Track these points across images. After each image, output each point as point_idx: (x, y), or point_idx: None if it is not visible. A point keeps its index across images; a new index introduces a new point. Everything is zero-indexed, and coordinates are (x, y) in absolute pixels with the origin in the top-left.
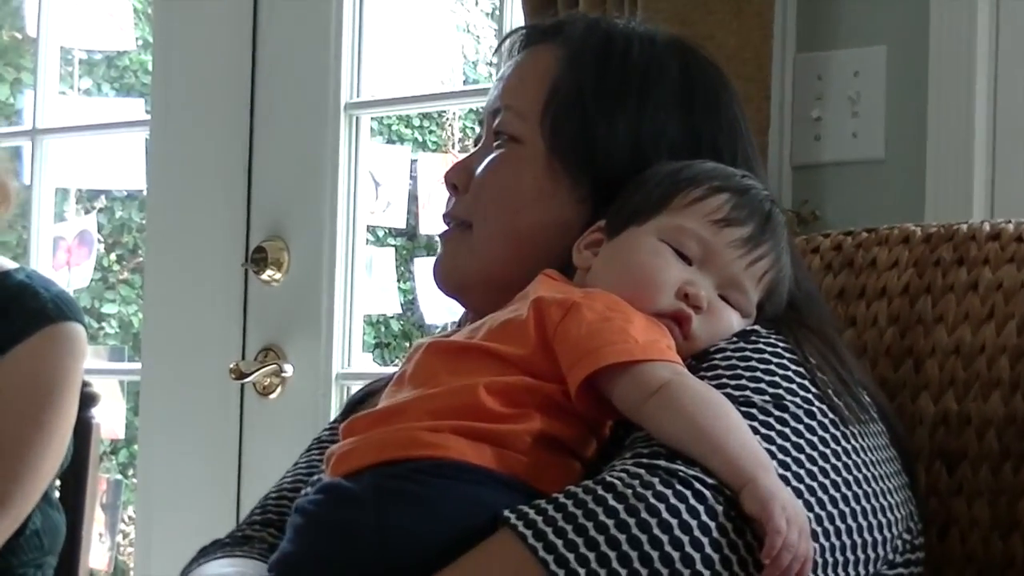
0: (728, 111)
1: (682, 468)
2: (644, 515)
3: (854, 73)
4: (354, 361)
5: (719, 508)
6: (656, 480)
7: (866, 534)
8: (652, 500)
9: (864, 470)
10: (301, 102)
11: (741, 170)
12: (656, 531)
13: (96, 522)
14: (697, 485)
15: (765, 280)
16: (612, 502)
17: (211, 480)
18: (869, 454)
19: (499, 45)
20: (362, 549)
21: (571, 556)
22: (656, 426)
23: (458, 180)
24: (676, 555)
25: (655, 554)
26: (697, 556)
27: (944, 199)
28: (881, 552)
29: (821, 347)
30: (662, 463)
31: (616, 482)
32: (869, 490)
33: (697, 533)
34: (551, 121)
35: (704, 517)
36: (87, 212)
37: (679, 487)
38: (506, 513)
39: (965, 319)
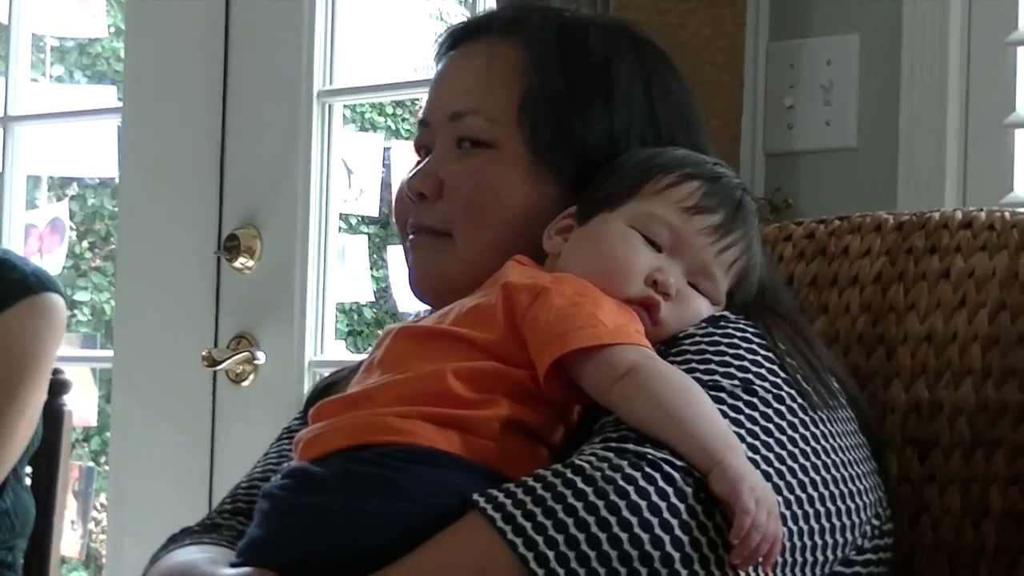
0: (678, 94)
1: (651, 451)
2: (613, 497)
3: (827, 62)
4: (327, 349)
5: (688, 490)
6: (625, 463)
7: (835, 519)
8: (621, 483)
9: (833, 455)
10: (274, 90)
11: (712, 157)
12: (625, 513)
13: (68, 509)
14: (666, 467)
15: (735, 268)
16: (581, 485)
17: (184, 467)
18: (838, 439)
19: (444, 44)
20: (330, 533)
21: (540, 539)
22: (625, 409)
23: (427, 189)
24: (646, 537)
25: (624, 536)
26: (667, 538)
27: (916, 187)
28: (850, 537)
29: (790, 333)
30: (631, 446)
31: (585, 465)
32: (838, 475)
33: (667, 515)
34: (530, 124)
35: (673, 499)
36: (59, 199)
37: (648, 470)
38: (475, 497)
39: (937, 307)
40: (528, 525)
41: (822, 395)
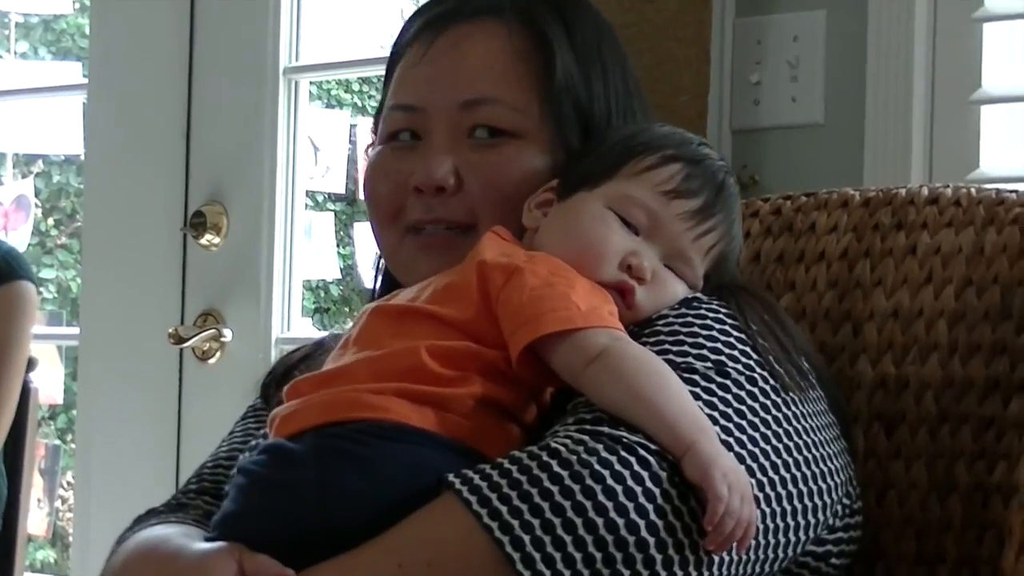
0: (625, 56)
1: (626, 434)
2: (589, 482)
3: (793, 38)
4: (294, 326)
5: (663, 474)
6: (600, 447)
7: (806, 500)
8: (597, 467)
9: (804, 436)
10: (239, 66)
11: (698, 137)
12: (601, 497)
13: (34, 488)
14: (641, 451)
15: (713, 252)
16: (557, 468)
17: (150, 445)
18: (809, 420)
19: (422, 27)
20: (304, 508)
21: (515, 523)
22: (596, 392)
23: (447, 183)
24: (621, 521)
25: (600, 520)
26: (642, 523)
27: (883, 163)
28: (821, 517)
29: (762, 313)
30: (605, 429)
31: (561, 448)
32: (809, 456)
33: (642, 500)
34: (556, 113)
35: (649, 483)
36: (24, 176)
37: (623, 453)
38: (451, 478)
39: (904, 283)
40: (504, 508)
41: (793, 376)
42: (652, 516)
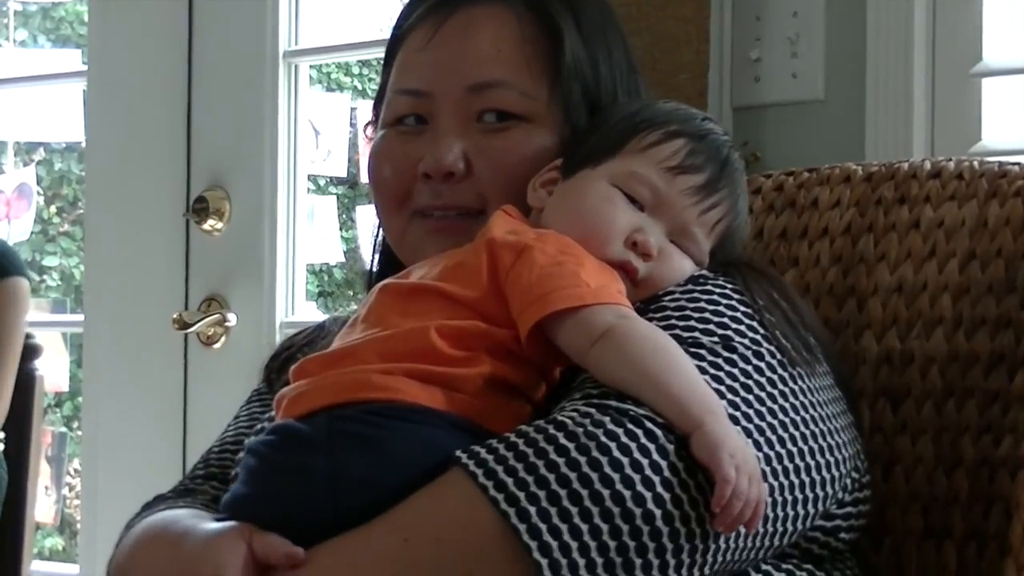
0: (625, 37)
1: (632, 407)
2: (595, 453)
3: (793, 13)
4: (297, 310)
5: (670, 447)
6: (607, 419)
7: (814, 473)
8: (603, 438)
9: (811, 410)
10: (239, 50)
11: (702, 112)
12: (607, 469)
13: (41, 475)
14: (648, 424)
15: (719, 228)
16: (563, 440)
17: (156, 431)
18: (816, 395)
19: (432, 8)
20: (314, 492)
21: (521, 495)
22: (602, 370)
23: (457, 168)
24: (627, 493)
25: (606, 492)
26: (648, 495)
27: (884, 138)
28: (830, 490)
29: (769, 289)
30: (612, 403)
31: (567, 421)
32: (816, 430)
33: (648, 472)
34: (565, 98)
35: (655, 456)
36: (26, 164)
37: (630, 426)
38: (458, 453)
39: (907, 257)
40: (509, 480)
41: (800, 351)
42: (658, 488)
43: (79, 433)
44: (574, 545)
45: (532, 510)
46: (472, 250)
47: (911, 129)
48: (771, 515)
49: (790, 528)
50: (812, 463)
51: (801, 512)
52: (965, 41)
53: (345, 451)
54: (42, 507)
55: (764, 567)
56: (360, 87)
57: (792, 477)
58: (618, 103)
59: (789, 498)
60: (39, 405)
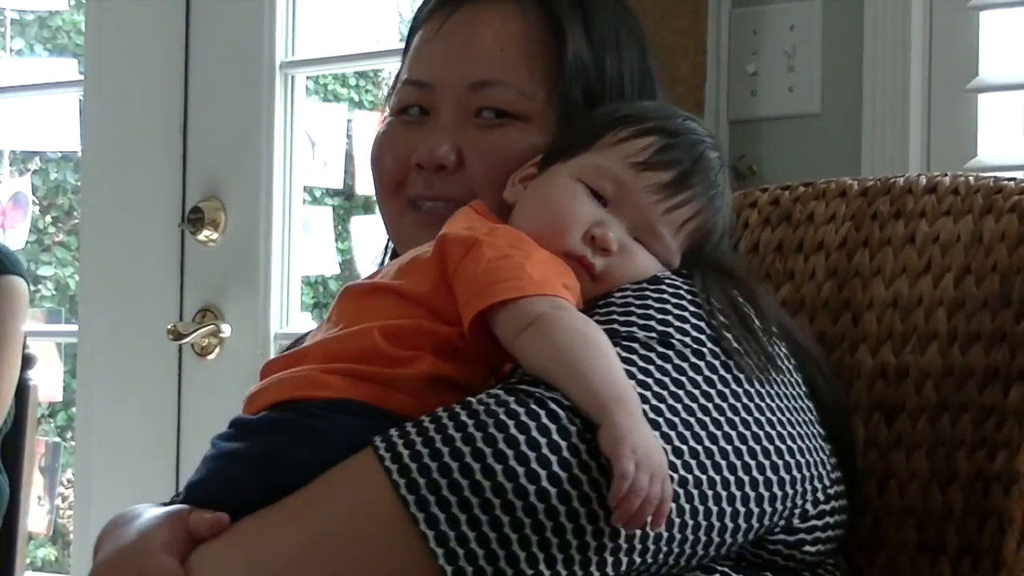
0: (644, 40)
1: (540, 391)
2: (492, 430)
3: (790, 27)
4: (292, 321)
5: (572, 428)
6: (512, 399)
7: (753, 473)
8: (503, 416)
9: (755, 414)
10: (236, 61)
11: (687, 113)
12: (502, 445)
13: (35, 485)
14: (552, 405)
15: (687, 228)
16: (464, 418)
17: (150, 442)
18: (765, 400)
19: (442, 2)
20: (247, 474)
21: (414, 466)
22: (526, 357)
23: (448, 161)
24: (521, 470)
25: (498, 467)
26: (543, 472)
27: (880, 153)
28: (779, 506)
29: (734, 293)
30: (522, 386)
31: (472, 401)
32: (759, 432)
33: (545, 450)
34: (563, 101)
35: (555, 436)
36: (21, 174)
37: (533, 406)
38: (375, 437)
39: (903, 272)
40: (405, 453)
41: (752, 356)
42: (555, 467)
43: (73, 443)
44: (463, 517)
45: (421, 481)
46: (427, 247)
47: (907, 144)
48: (691, 508)
49: (723, 538)
50: (753, 463)
51: (740, 509)
52: (961, 56)
53: (280, 437)
54: (35, 517)
55: (721, 567)
56: (357, 98)
57: (726, 474)
58: (608, 103)
59: (719, 495)
60: (33, 415)
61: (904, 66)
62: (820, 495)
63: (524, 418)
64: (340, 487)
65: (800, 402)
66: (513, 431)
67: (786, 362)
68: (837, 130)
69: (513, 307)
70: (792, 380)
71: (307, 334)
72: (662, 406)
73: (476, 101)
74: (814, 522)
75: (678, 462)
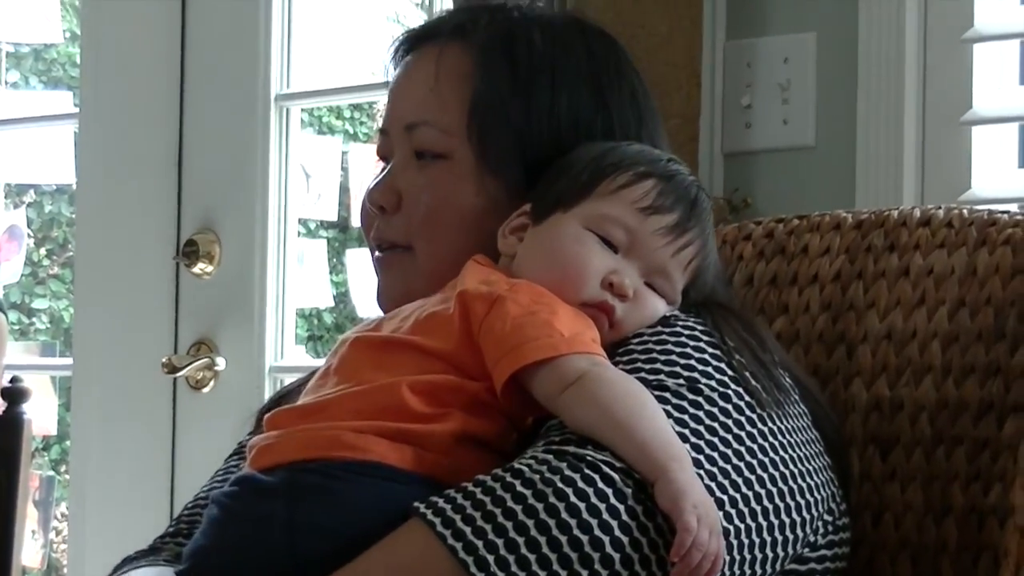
0: (630, 83)
1: (591, 453)
2: (552, 500)
3: (784, 60)
4: (287, 354)
5: (628, 491)
6: (564, 465)
7: (783, 515)
8: (560, 485)
9: (781, 452)
10: (231, 94)
11: (667, 153)
12: (564, 515)
13: (29, 519)
14: (605, 468)
15: (691, 267)
16: (520, 488)
17: (144, 475)
18: (786, 436)
19: (398, 50)
20: (272, 542)
21: (479, 543)
22: (571, 416)
23: (386, 202)
24: (584, 538)
25: (563, 538)
26: (606, 539)
27: (875, 185)
28: (800, 533)
29: (739, 328)
30: (571, 448)
31: (524, 468)
32: (787, 472)
33: (605, 516)
34: (478, 135)
35: (613, 500)
36: (16, 207)
37: (587, 471)
38: (416, 504)
39: (897, 305)
40: (468, 530)
41: (771, 391)
42: (616, 532)
43: (67, 477)
44: None
45: (490, 559)
46: (443, 302)
47: (901, 176)
48: (738, 557)
49: (758, 570)
50: (782, 504)
51: (770, 554)
52: (955, 89)
53: (304, 501)
54: (29, 551)
55: None
56: (352, 131)
57: (760, 519)
58: (584, 146)
59: (756, 540)
60: (28, 448)
61: (898, 99)
62: (830, 526)
63: (581, 484)
64: (397, 571)
65: (810, 432)
66: (573, 499)
67: (793, 392)
68: (831, 163)
69: (551, 366)
70: (801, 411)
71: (307, 378)
72: (700, 456)
73: (412, 143)
74: (824, 551)
75: (720, 513)
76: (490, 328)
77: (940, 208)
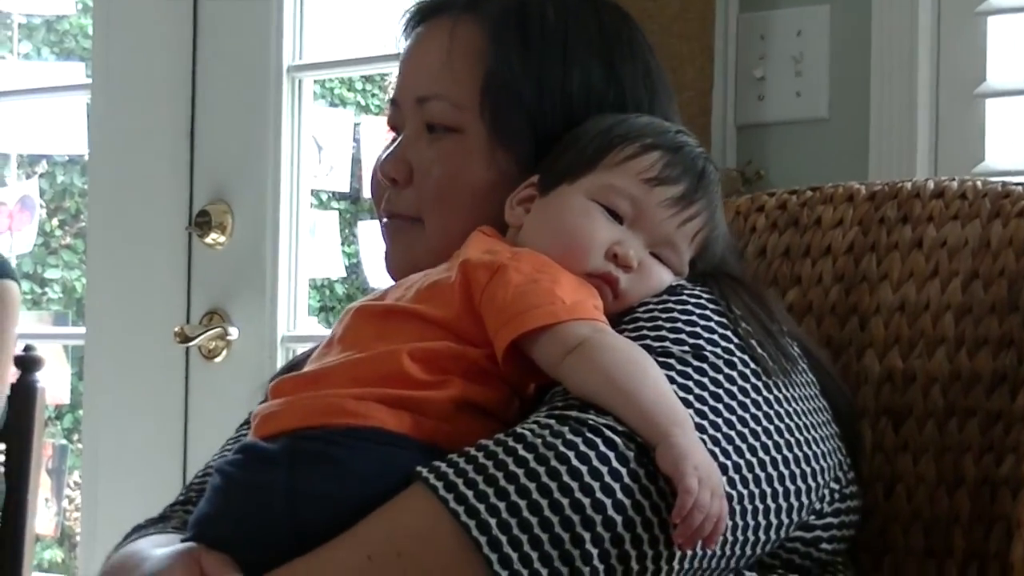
0: (643, 58)
1: (593, 417)
2: (554, 463)
3: (797, 32)
4: (299, 324)
5: (630, 454)
6: (566, 429)
7: (787, 482)
8: (562, 448)
9: (785, 420)
10: (243, 65)
11: (676, 125)
12: (565, 478)
13: (42, 487)
14: (607, 432)
15: (698, 238)
16: (522, 452)
17: (157, 444)
18: (792, 404)
19: (410, 21)
20: (274, 509)
21: (481, 506)
22: (573, 381)
23: (397, 174)
24: (586, 501)
25: (565, 501)
26: (608, 501)
27: (888, 157)
28: (805, 500)
29: (747, 298)
30: (573, 413)
31: (526, 433)
32: (791, 439)
33: (608, 479)
34: (491, 111)
35: (615, 463)
36: (28, 177)
37: (589, 435)
38: (418, 468)
39: (910, 277)
40: (470, 493)
41: (778, 360)
42: (619, 495)
43: (79, 446)
44: (535, 555)
45: (492, 522)
46: (446, 271)
47: (914, 148)
48: (740, 523)
49: (762, 537)
50: (787, 472)
51: (775, 521)
52: (969, 61)
53: (305, 469)
54: (42, 519)
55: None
56: (363, 102)
57: (764, 486)
58: (594, 119)
59: (760, 506)
60: (40, 417)
61: (912, 71)
62: (836, 494)
63: (583, 448)
64: (400, 535)
65: (817, 401)
66: (575, 462)
67: (801, 361)
68: (844, 135)
69: (552, 332)
70: (809, 380)
71: (312, 350)
72: (704, 422)
73: (423, 116)
74: (830, 519)
75: (723, 478)
76: (492, 296)
77: (954, 180)
